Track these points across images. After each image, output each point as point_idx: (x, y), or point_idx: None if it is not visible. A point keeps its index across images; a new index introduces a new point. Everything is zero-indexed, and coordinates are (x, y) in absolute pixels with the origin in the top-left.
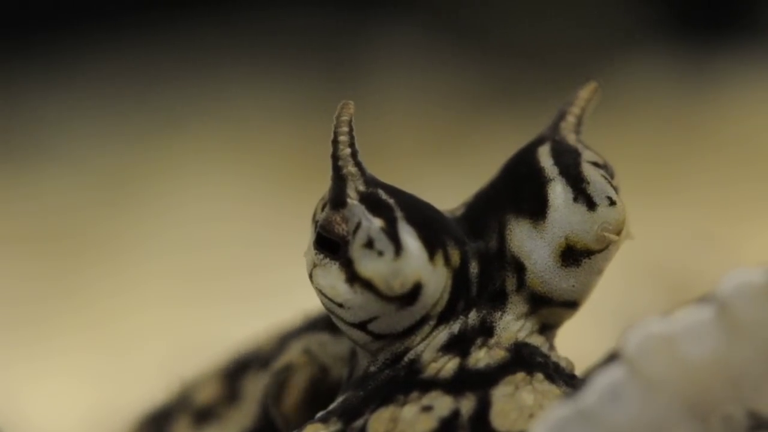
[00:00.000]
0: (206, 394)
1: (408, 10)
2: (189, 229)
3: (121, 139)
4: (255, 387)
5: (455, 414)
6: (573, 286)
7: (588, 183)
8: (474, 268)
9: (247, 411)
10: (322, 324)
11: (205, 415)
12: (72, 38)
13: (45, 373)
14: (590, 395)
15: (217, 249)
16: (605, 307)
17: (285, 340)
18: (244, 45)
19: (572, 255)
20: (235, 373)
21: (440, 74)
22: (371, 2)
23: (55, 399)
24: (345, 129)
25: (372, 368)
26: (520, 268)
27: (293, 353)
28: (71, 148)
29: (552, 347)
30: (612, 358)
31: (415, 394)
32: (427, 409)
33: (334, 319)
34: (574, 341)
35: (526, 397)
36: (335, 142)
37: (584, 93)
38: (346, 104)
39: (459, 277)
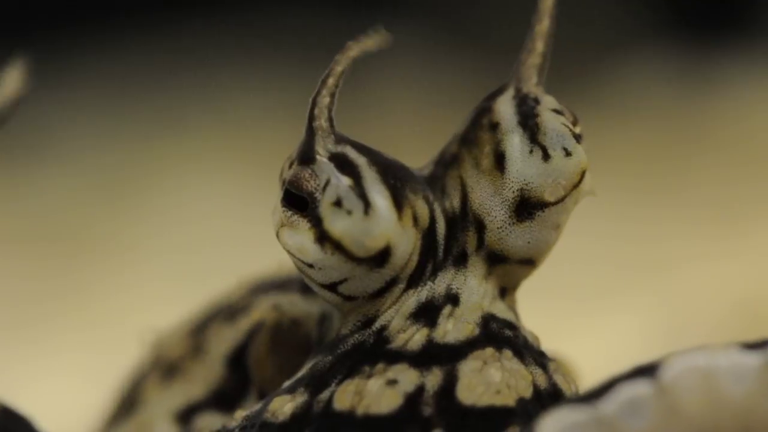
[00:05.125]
0: (175, 349)
1: (408, 10)
2: (188, 229)
3: (120, 139)
4: (219, 340)
5: (420, 389)
6: (529, 242)
7: (545, 133)
8: (441, 228)
9: (211, 367)
10: (294, 286)
11: (172, 370)
12: (72, 38)
13: (45, 372)
14: (610, 404)
15: (217, 248)
16: (600, 306)
17: (254, 293)
18: (244, 45)
19: (526, 208)
20: (201, 325)
21: (440, 74)
22: (371, 3)
23: (55, 398)
24: (338, 70)
25: (343, 330)
26: (480, 227)
27: (263, 309)
28: (70, 148)
29: (517, 316)
30: (640, 372)
31: (380, 366)
32: (392, 383)
33: (306, 280)
34: (570, 340)
35: (494, 373)
36: (323, 82)
37: (541, 26)
38: (354, 45)
39: (427, 237)
